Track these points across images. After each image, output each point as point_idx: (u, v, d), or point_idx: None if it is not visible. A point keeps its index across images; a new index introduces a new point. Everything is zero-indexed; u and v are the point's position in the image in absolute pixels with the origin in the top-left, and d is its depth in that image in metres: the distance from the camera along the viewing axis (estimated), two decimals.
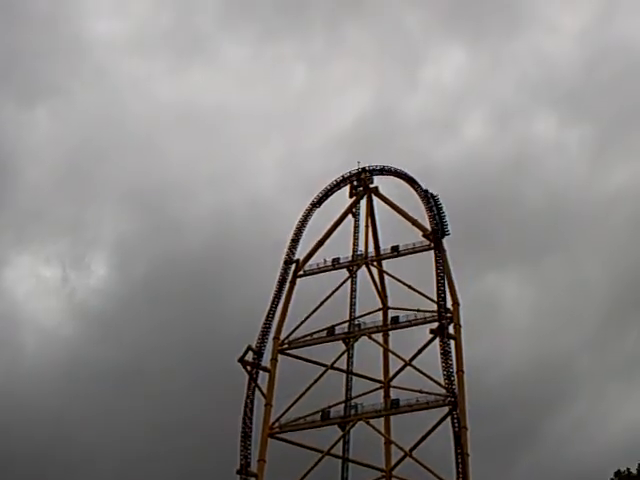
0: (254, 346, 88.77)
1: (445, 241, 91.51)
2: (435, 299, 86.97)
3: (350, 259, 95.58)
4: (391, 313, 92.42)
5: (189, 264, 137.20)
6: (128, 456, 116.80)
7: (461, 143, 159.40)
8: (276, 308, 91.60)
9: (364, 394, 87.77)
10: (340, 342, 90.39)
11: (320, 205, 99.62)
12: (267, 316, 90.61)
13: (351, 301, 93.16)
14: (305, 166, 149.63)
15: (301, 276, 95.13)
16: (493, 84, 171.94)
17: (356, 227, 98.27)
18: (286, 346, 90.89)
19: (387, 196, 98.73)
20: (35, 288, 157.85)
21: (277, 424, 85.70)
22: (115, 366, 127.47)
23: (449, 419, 79.74)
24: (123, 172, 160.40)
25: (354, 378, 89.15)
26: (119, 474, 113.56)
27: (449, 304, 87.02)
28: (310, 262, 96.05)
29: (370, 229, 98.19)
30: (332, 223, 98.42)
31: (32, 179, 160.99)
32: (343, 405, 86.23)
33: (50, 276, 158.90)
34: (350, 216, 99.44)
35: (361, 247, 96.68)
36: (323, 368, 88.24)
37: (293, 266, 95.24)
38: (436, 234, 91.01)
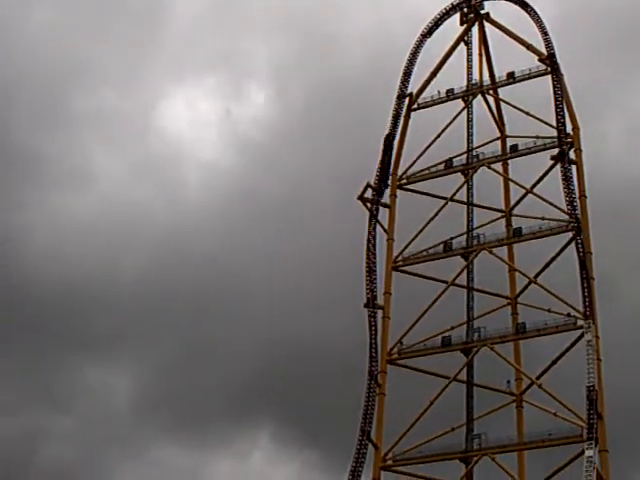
0: (373, 183, 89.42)
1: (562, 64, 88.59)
2: (554, 125, 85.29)
3: (465, 89, 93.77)
4: (510, 142, 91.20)
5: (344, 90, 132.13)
6: (281, 289, 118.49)
7: None
8: (392, 144, 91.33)
9: (486, 224, 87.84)
10: (459, 174, 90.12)
11: (430, 35, 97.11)
12: (384, 152, 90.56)
13: (468, 132, 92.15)
14: None
15: (415, 109, 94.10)
16: None
17: (469, 56, 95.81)
18: (404, 181, 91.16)
19: (499, 21, 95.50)
20: (193, 122, 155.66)
21: (400, 257, 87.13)
22: (276, 198, 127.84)
23: (573, 245, 79.63)
24: None
25: (475, 209, 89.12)
26: (271, 307, 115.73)
27: (569, 129, 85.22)
28: (424, 95, 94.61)
29: (484, 57, 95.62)
30: (444, 53, 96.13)
31: (184, 13, 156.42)
32: (465, 237, 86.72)
33: (208, 109, 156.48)
34: (462, 45, 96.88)
35: (475, 76, 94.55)
36: (442, 201, 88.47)
37: (406, 100, 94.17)
38: (553, 58, 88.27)
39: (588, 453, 69.04)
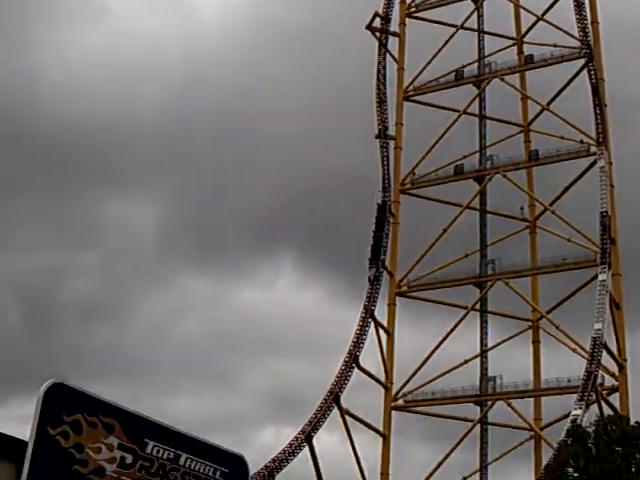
0: (381, 12, 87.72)
1: None
2: None
3: None
4: None
5: None
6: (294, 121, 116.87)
7: None
8: None
9: (497, 52, 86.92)
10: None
11: None
12: None
13: None
14: None
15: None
16: None
17: None
18: (414, 9, 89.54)
19: None
20: None
21: (411, 87, 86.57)
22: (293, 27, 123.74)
23: (586, 72, 79.28)
24: None
25: (486, 37, 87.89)
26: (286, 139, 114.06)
27: None
28: None
29: None
30: None
31: None
32: (476, 64, 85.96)
33: None
34: None
35: None
36: (453, 29, 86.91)
37: None
38: None
39: (601, 277, 71.01)
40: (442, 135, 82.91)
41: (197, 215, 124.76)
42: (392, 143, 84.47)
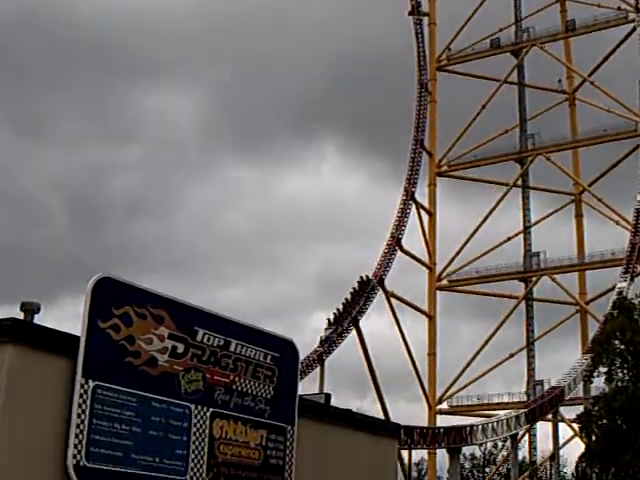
0: None
1: None
2: None
3: None
4: None
5: None
6: None
7: None
8: None
9: (536, 12, 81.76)
10: None
11: None
12: None
13: None
14: None
15: None
16: None
17: None
18: None
19: None
20: None
21: (444, 55, 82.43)
22: None
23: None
24: None
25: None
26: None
27: None
28: None
29: None
30: None
31: None
32: (514, 29, 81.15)
33: None
34: None
35: None
36: None
37: None
38: None
39: None
40: (477, 8, 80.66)
41: (238, 104, 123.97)
42: (425, 20, 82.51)
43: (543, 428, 69.27)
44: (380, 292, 70.50)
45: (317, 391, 52.16)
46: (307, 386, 54.10)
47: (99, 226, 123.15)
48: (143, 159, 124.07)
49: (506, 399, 72.61)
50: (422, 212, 77.01)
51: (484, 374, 74.36)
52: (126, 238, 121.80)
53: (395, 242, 72.71)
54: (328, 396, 20.42)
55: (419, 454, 75.73)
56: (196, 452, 13.89)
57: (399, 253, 73.18)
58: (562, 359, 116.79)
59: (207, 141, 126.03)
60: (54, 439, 11.83)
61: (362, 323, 68.21)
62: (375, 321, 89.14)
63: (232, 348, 14.97)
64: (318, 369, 64.40)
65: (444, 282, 77.30)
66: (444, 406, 74.96)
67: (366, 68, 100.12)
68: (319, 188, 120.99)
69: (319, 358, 64.72)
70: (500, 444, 78.48)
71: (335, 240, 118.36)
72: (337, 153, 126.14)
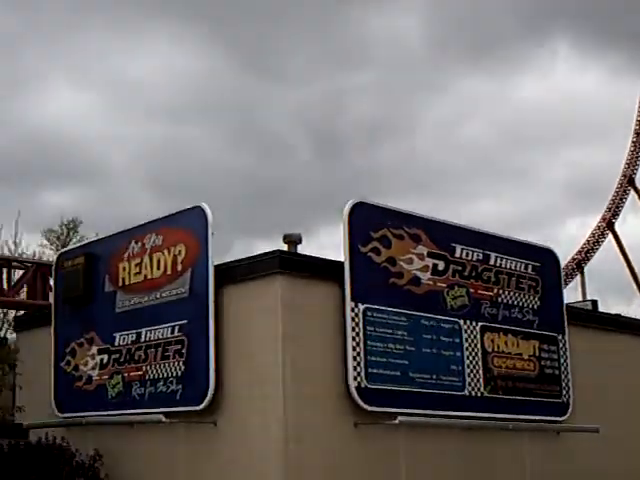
0: None
1: None
2: None
3: None
4: None
5: None
6: None
7: None
8: None
9: None
10: None
11: None
12: None
13: None
14: None
15: None
16: None
17: None
18: None
19: None
20: None
21: None
22: None
23: None
24: None
25: None
26: None
27: None
28: None
29: None
30: None
31: None
32: None
33: None
34: None
35: None
36: None
37: None
38: None
39: None
40: None
41: (465, 14, 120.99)
42: None
43: None
44: (632, 192, 67.35)
45: (580, 299, 51.00)
46: (569, 295, 52.83)
47: (343, 155, 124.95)
48: (377, 81, 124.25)
49: None
50: None
51: None
52: (370, 164, 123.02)
53: None
54: (595, 302, 19.94)
55: None
56: (471, 367, 13.91)
57: None
58: None
59: (438, 55, 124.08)
60: (333, 364, 12.18)
61: (617, 226, 65.65)
62: (631, 222, 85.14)
63: (492, 261, 14.78)
64: (578, 277, 62.81)
65: None
66: None
67: None
68: (556, 89, 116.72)
69: (578, 266, 63.10)
70: None
71: (579, 142, 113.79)
72: (571, 50, 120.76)
